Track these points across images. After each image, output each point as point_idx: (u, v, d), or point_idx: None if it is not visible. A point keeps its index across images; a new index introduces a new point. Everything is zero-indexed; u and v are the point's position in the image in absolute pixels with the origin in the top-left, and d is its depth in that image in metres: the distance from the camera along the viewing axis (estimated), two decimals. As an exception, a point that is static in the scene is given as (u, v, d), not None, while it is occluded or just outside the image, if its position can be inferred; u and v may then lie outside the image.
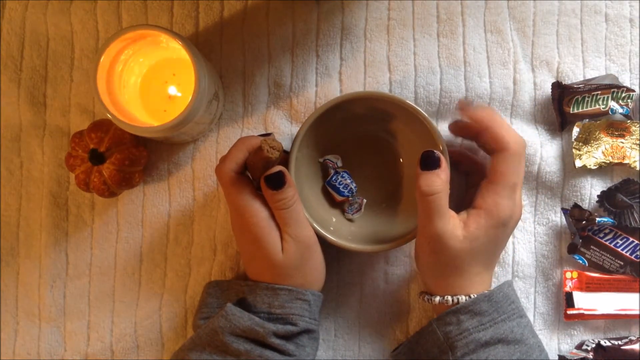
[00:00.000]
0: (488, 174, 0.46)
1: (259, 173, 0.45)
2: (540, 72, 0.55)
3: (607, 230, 0.52)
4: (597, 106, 0.53)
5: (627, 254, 0.52)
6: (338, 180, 0.52)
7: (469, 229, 0.44)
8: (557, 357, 0.53)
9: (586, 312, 0.52)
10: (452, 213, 0.45)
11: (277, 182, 0.44)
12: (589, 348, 0.52)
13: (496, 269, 0.54)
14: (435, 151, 0.44)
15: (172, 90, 0.52)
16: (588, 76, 0.55)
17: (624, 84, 0.54)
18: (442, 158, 0.44)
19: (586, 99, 0.53)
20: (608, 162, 0.53)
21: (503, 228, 0.45)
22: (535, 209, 0.55)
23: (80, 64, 0.55)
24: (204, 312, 0.47)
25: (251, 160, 0.45)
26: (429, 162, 0.44)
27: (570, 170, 0.54)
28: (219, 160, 0.46)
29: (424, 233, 0.45)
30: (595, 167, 0.53)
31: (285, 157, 0.48)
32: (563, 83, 0.53)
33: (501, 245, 0.47)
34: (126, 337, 0.54)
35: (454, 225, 0.44)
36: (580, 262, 0.53)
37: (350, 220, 0.53)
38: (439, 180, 0.43)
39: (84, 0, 0.55)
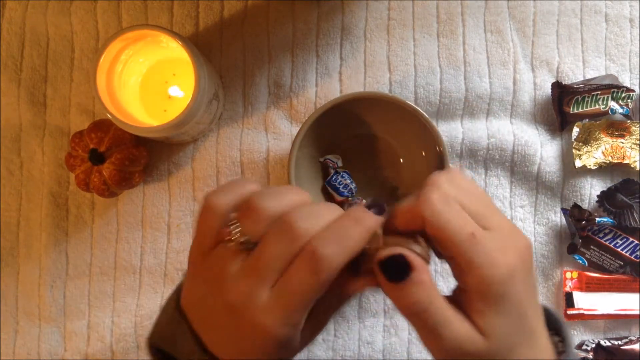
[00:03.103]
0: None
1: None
2: (540, 72, 0.55)
3: (607, 230, 0.52)
4: (597, 106, 0.53)
5: (627, 254, 0.52)
6: (338, 180, 0.52)
7: (478, 325, 0.30)
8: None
9: (586, 312, 0.52)
10: (456, 313, 0.30)
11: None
12: (589, 348, 0.52)
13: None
14: (402, 254, 0.29)
15: (173, 90, 0.52)
16: (588, 76, 0.55)
17: (624, 84, 0.54)
18: (412, 256, 0.29)
19: (586, 99, 0.53)
20: (608, 162, 0.53)
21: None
22: (535, 209, 0.55)
23: (80, 64, 0.55)
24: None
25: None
26: (398, 271, 0.29)
27: (570, 170, 0.54)
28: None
29: (437, 353, 0.31)
30: (595, 167, 0.53)
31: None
32: (563, 83, 0.53)
33: (532, 302, 0.32)
34: (126, 337, 0.54)
35: (467, 328, 0.30)
36: (580, 262, 0.53)
37: (350, 220, 0.52)
38: (421, 289, 0.29)
39: (84, 0, 0.55)
